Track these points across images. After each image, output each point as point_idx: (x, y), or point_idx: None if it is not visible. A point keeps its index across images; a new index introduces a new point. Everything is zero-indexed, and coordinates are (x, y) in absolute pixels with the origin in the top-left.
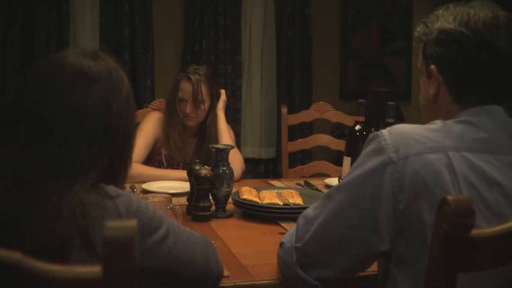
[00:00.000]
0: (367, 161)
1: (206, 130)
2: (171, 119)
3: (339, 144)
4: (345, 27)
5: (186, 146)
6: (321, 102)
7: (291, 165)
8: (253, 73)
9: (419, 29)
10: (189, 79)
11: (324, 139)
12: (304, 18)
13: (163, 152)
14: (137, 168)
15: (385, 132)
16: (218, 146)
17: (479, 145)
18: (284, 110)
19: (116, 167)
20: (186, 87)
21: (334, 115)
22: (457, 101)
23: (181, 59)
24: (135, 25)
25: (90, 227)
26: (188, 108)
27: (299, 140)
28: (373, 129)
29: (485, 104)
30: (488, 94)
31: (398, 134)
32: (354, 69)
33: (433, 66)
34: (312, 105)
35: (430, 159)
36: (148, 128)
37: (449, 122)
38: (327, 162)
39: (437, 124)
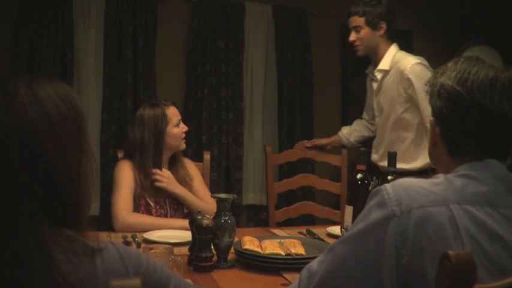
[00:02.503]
0: (370, 215)
1: (177, 157)
2: (158, 155)
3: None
4: (345, 73)
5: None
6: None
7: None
8: (255, 119)
9: (429, 78)
10: (171, 104)
11: (311, 179)
12: (305, 65)
13: (146, 193)
14: (138, 217)
15: (388, 186)
16: (220, 195)
17: (480, 198)
18: (269, 149)
19: (69, 207)
20: (174, 111)
21: (318, 154)
22: (450, 153)
23: (183, 105)
24: (138, 72)
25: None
26: (185, 127)
27: (285, 180)
28: (374, 177)
29: (480, 159)
30: (481, 152)
31: (401, 187)
32: (355, 114)
33: (432, 118)
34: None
35: (433, 213)
36: (126, 177)
37: (450, 176)
38: (313, 203)
39: (439, 178)
